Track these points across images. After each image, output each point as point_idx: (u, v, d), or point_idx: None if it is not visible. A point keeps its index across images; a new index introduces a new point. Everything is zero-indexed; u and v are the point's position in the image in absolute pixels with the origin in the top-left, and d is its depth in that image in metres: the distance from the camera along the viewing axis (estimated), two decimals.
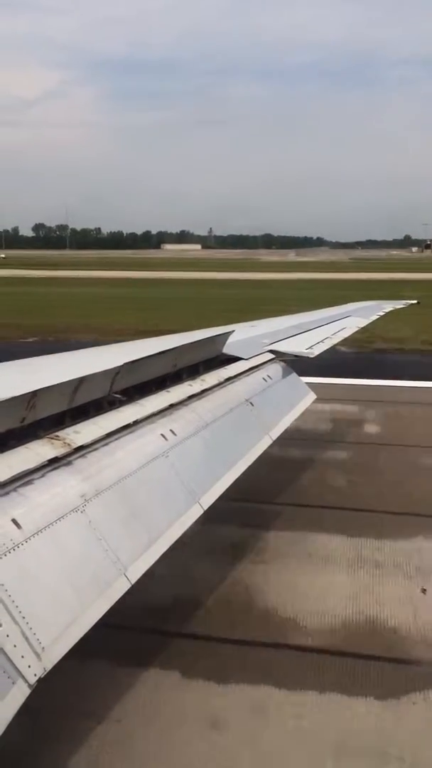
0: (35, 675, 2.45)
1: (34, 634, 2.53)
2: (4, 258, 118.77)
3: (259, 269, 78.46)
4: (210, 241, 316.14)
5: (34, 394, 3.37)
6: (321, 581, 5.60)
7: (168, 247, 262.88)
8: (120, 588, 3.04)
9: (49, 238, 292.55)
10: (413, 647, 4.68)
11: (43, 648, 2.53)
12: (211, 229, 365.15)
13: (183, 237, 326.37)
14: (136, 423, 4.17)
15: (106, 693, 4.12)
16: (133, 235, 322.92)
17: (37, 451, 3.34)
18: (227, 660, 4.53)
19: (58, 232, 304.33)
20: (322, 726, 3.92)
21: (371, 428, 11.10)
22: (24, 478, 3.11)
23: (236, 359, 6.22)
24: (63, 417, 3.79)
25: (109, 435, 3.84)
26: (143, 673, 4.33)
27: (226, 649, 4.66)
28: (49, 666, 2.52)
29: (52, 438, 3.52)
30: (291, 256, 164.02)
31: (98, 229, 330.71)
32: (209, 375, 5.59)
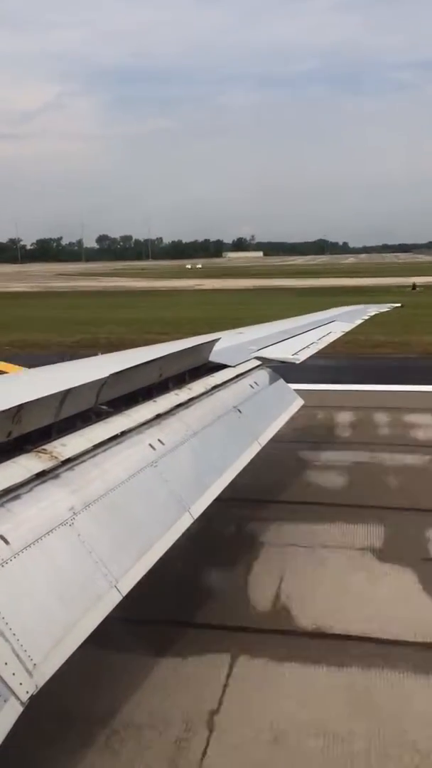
0: (27, 692, 2.41)
1: (25, 651, 2.50)
2: (200, 268, 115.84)
3: None
4: (252, 248, 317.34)
5: (20, 407, 3.34)
6: None
7: (231, 255, 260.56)
8: (111, 601, 3.02)
9: (114, 249, 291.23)
10: None
11: (34, 665, 2.50)
12: (253, 236, 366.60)
13: (240, 245, 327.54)
14: (123, 434, 4.15)
15: None
16: (193, 244, 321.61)
17: (24, 464, 3.31)
18: None
19: (122, 243, 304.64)
20: None
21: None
22: (11, 492, 3.08)
23: (223, 367, 6.21)
24: (50, 430, 3.76)
25: (96, 447, 3.82)
26: None
27: None
28: (41, 682, 2.49)
29: (39, 451, 3.49)
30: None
31: (160, 239, 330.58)
32: (196, 383, 5.58)
